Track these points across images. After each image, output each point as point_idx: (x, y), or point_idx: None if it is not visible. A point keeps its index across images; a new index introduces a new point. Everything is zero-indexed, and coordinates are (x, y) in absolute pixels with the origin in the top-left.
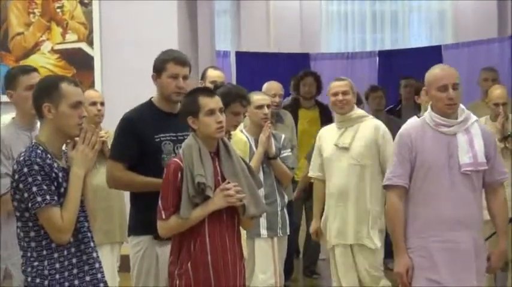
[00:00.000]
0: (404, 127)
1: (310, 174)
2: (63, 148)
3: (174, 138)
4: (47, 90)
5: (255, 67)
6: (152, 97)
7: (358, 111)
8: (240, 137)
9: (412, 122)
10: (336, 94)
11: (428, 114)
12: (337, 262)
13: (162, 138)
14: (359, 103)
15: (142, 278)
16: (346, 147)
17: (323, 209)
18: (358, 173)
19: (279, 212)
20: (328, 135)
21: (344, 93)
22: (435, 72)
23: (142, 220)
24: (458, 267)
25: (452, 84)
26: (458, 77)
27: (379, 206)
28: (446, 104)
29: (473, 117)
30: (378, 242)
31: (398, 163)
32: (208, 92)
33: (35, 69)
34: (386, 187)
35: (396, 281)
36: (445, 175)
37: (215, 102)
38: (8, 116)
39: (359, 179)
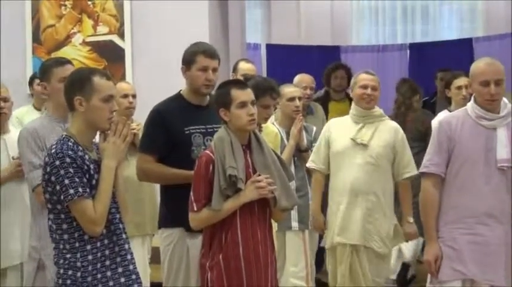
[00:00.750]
0: (445, 116)
1: (312, 166)
2: (94, 140)
3: (204, 130)
4: (79, 83)
5: (285, 59)
6: (181, 90)
7: (379, 109)
8: (271, 130)
9: (454, 112)
10: (365, 87)
11: (470, 106)
12: (337, 262)
13: (191, 131)
14: None
15: (173, 271)
16: (365, 144)
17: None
18: (372, 172)
19: (310, 205)
20: (340, 128)
21: (373, 88)
22: (479, 65)
23: (173, 212)
24: (487, 262)
25: (495, 80)
26: (503, 72)
27: (391, 210)
28: (486, 99)
29: None
30: (385, 247)
31: (436, 151)
32: (241, 84)
33: (69, 61)
34: (423, 175)
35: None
36: (480, 168)
37: (247, 94)
38: (25, 108)
39: (373, 179)
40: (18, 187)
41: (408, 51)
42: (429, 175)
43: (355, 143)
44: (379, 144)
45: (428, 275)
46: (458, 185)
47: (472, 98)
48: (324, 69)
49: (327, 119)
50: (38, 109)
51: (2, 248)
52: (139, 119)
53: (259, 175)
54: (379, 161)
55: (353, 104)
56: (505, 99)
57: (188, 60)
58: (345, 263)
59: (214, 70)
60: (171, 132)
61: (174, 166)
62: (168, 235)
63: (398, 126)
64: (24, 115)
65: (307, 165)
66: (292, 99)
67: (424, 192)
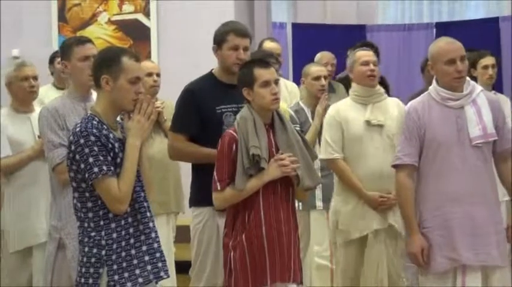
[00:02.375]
0: (411, 104)
1: (333, 156)
2: (118, 118)
3: (235, 109)
4: (107, 62)
5: (311, 38)
6: (213, 69)
7: (379, 87)
8: (281, 107)
9: (418, 98)
10: (366, 63)
11: (433, 89)
12: (366, 252)
13: (223, 110)
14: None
15: (202, 249)
16: (381, 124)
17: None
18: (391, 154)
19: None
20: (351, 111)
21: (374, 64)
22: (441, 45)
23: (203, 191)
24: (478, 243)
25: (460, 56)
26: (464, 49)
27: None
28: (454, 77)
29: (479, 88)
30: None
31: (406, 141)
32: (264, 63)
33: (89, 40)
34: (395, 167)
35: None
36: (455, 150)
37: (270, 73)
38: (45, 88)
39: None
40: (44, 165)
41: (434, 30)
42: (402, 167)
43: (370, 125)
44: (392, 123)
45: (417, 268)
46: (436, 171)
47: (434, 81)
48: (350, 48)
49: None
50: (59, 88)
51: (28, 226)
52: (164, 97)
53: (282, 154)
54: (395, 141)
55: (354, 84)
56: (466, 77)
57: (219, 40)
58: (376, 252)
59: (246, 49)
60: (203, 111)
61: (205, 144)
62: (198, 214)
63: (399, 100)
64: (45, 94)
65: (327, 157)
66: (317, 78)
67: (399, 184)
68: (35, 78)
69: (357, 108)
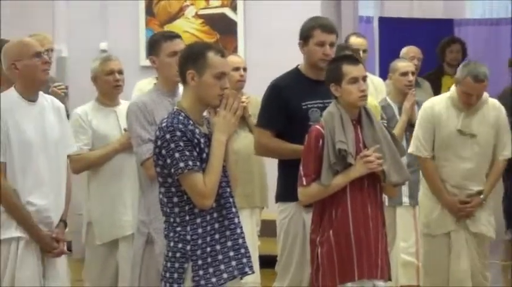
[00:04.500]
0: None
1: (422, 154)
2: (205, 113)
3: (321, 105)
4: (193, 58)
5: (398, 33)
6: (299, 65)
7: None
8: (370, 101)
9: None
10: (405, 74)
11: None
12: (452, 248)
13: (309, 106)
14: None
15: (288, 244)
16: (474, 134)
17: None
18: (482, 162)
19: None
20: (445, 113)
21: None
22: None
23: (290, 187)
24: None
25: None
26: None
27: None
28: None
29: None
30: (493, 231)
31: None
32: (352, 59)
33: (177, 36)
34: None
35: None
36: None
37: (359, 70)
38: (145, 81)
39: (481, 168)
40: (130, 158)
41: None
42: None
43: (462, 134)
44: (486, 130)
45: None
46: None
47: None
48: (438, 43)
49: (440, 93)
50: None
51: (114, 218)
52: (251, 92)
53: (368, 150)
54: (487, 149)
55: (456, 90)
56: None
57: (305, 35)
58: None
59: (332, 45)
60: (289, 107)
61: (291, 140)
62: (285, 209)
63: (499, 104)
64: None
65: (416, 154)
66: (405, 73)
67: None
68: (120, 72)
69: (452, 111)
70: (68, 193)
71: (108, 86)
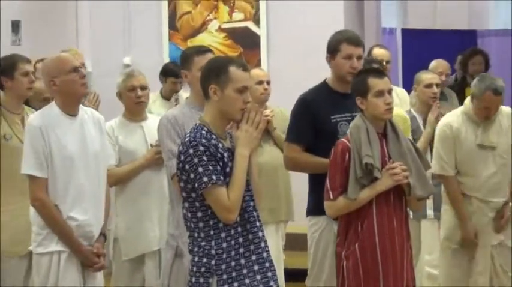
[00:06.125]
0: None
1: (446, 173)
2: (227, 128)
3: (350, 118)
4: (215, 72)
5: (421, 44)
6: (326, 78)
7: None
8: (399, 113)
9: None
10: (430, 86)
11: None
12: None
13: (338, 119)
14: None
15: (318, 258)
16: (494, 146)
17: None
18: (504, 172)
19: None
20: (463, 129)
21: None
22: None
23: (320, 200)
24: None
25: None
26: None
27: None
28: None
29: None
30: None
31: None
32: (378, 73)
33: (209, 50)
34: None
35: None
36: None
37: (384, 83)
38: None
39: (505, 178)
40: (156, 174)
41: None
42: None
43: (483, 148)
44: (505, 141)
45: None
46: None
47: None
48: (461, 55)
49: (462, 105)
50: (164, 98)
51: (140, 234)
52: (275, 105)
53: (394, 162)
54: (508, 158)
55: (468, 101)
56: None
57: (332, 49)
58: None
59: (359, 58)
60: (318, 121)
61: (321, 154)
62: (315, 223)
63: (509, 110)
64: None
65: (439, 173)
66: (429, 85)
67: None
68: (143, 87)
69: (469, 126)
70: (107, 205)
71: (130, 102)
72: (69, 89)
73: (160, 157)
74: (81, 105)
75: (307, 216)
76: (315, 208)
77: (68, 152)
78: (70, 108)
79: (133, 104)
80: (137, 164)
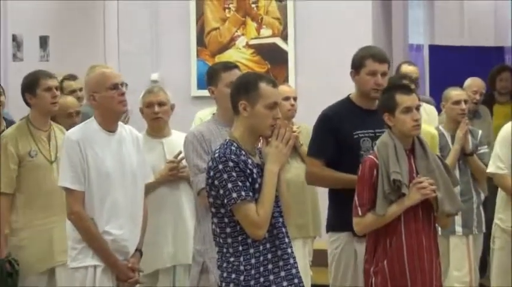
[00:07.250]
0: None
1: (502, 172)
2: (258, 144)
3: (373, 134)
4: (245, 88)
5: (448, 61)
6: (350, 94)
7: None
8: (428, 131)
9: None
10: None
11: None
12: None
13: (360, 135)
14: None
15: (340, 275)
16: None
17: None
18: None
19: (475, 210)
20: None
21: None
22: None
23: (341, 216)
24: None
25: None
26: None
27: None
28: None
29: None
30: None
31: None
32: (406, 89)
33: (236, 66)
34: None
35: None
36: None
37: (412, 99)
38: (206, 111)
39: None
40: (172, 190)
41: None
42: None
43: None
44: None
45: None
46: None
47: None
48: (488, 71)
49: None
50: None
51: (155, 251)
52: (301, 121)
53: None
54: None
55: None
56: None
57: (357, 65)
58: None
59: (384, 74)
60: (340, 136)
61: (342, 170)
62: (336, 239)
63: None
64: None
65: (495, 172)
66: (457, 102)
67: None
68: (161, 104)
69: None
70: (144, 221)
71: (148, 118)
72: (107, 106)
73: (175, 174)
74: (120, 123)
75: (327, 232)
76: (335, 224)
77: (104, 167)
78: (109, 125)
79: (151, 120)
80: (153, 181)
